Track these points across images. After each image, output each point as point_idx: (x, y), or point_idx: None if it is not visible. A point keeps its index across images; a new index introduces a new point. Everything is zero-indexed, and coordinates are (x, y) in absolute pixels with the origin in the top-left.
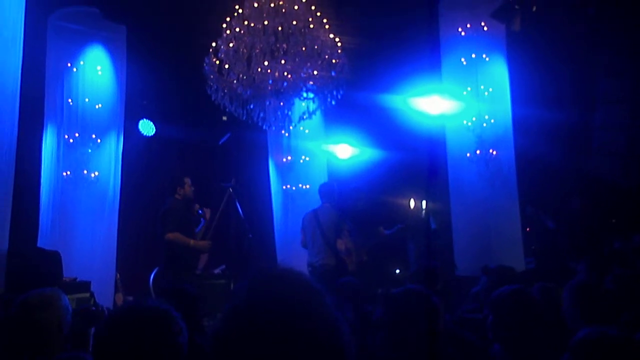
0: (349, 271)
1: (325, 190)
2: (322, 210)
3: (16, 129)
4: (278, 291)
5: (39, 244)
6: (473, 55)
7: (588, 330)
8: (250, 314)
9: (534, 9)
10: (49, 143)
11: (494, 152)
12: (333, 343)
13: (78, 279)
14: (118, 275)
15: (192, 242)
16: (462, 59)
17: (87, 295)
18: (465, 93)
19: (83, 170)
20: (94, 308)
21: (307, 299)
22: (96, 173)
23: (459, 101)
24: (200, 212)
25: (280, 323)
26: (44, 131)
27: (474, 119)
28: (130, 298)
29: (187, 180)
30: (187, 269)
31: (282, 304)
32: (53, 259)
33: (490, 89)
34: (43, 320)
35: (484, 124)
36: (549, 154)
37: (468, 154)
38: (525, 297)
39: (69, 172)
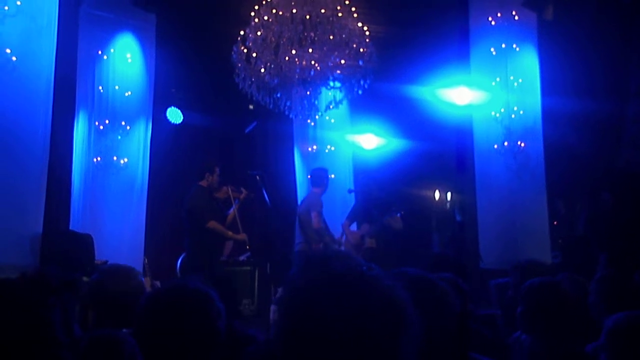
0: None
1: (311, 175)
2: (305, 196)
3: (50, 116)
4: (333, 268)
5: (70, 228)
6: (503, 45)
7: (623, 314)
8: (307, 291)
9: None
10: (80, 129)
11: (522, 144)
12: (391, 318)
13: (109, 262)
14: (146, 259)
15: (229, 233)
16: (492, 49)
17: None
18: (494, 84)
19: (113, 157)
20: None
21: (361, 276)
22: (125, 159)
23: (487, 92)
24: (236, 201)
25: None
26: (76, 118)
27: (502, 110)
28: (158, 282)
29: (217, 170)
30: (213, 256)
31: (338, 279)
32: (86, 241)
33: (520, 80)
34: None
35: (513, 115)
36: (579, 147)
37: (495, 146)
38: (556, 288)
39: (99, 158)
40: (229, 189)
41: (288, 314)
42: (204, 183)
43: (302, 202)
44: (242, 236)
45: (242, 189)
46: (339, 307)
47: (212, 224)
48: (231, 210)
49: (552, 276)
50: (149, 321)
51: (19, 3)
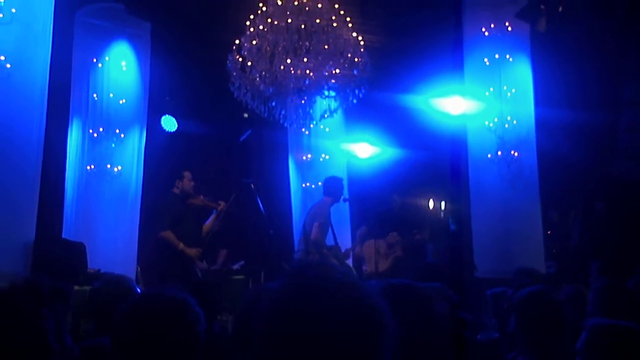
0: None
1: (323, 185)
2: (315, 205)
3: (44, 123)
4: (318, 284)
5: (63, 236)
6: (496, 56)
7: (600, 322)
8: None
9: (560, 9)
10: (74, 137)
11: (516, 154)
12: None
13: (102, 271)
14: (139, 268)
15: (180, 245)
16: (485, 59)
17: None
18: (487, 94)
19: (106, 165)
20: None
21: (343, 291)
22: (119, 167)
23: (481, 101)
24: (213, 211)
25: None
26: (70, 125)
27: (495, 119)
28: None
29: (187, 174)
30: (185, 262)
31: (322, 297)
32: (78, 250)
33: (514, 90)
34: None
35: (506, 125)
36: (573, 157)
37: (489, 155)
38: (547, 298)
39: (93, 166)
40: (201, 198)
41: (265, 320)
42: (176, 190)
43: (310, 210)
44: (193, 252)
45: (220, 202)
46: (313, 314)
47: (165, 234)
48: (208, 221)
49: (547, 286)
50: (126, 331)
51: (13, 10)
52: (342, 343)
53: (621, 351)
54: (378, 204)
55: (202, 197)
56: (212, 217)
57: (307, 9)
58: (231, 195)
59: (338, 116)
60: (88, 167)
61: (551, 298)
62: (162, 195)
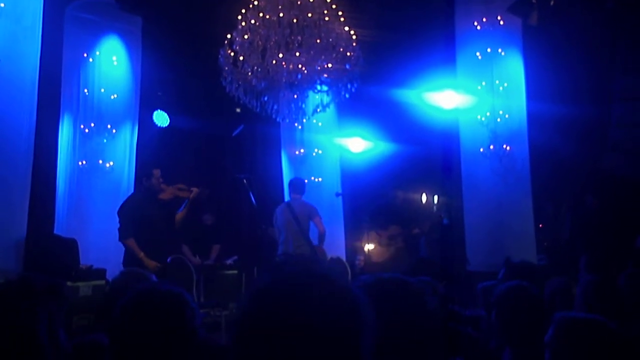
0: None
1: (296, 184)
2: (295, 203)
3: (34, 118)
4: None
5: (55, 232)
6: (488, 50)
7: (569, 315)
8: (270, 302)
9: (552, 2)
10: (65, 132)
11: (508, 148)
12: (346, 340)
13: (94, 267)
14: None
15: (140, 254)
16: (478, 54)
17: (103, 282)
18: (479, 88)
19: (98, 160)
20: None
21: (327, 292)
22: (111, 163)
23: (473, 96)
24: (185, 201)
25: (297, 313)
26: (61, 121)
27: (488, 113)
28: None
29: (156, 172)
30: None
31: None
32: (70, 246)
33: (506, 84)
34: None
35: (498, 119)
36: (564, 151)
37: (481, 149)
38: (525, 293)
39: (84, 162)
40: (169, 190)
41: (245, 316)
42: (142, 189)
43: (297, 208)
44: (152, 265)
45: (192, 188)
46: (292, 309)
47: (127, 243)
48: (180, 210)
49: (542, 279)
50: (124, 326)
51: (2, 5)
52: (321, 337)
53: (587, 344)
54: (371, 198)
55: (171, 187)
56: (184, 206)
57: (299, 2)
58: (205, 190)
59: (330, 111)
60: (80, 163)
61: (529, 293)
62: (127, 199)
